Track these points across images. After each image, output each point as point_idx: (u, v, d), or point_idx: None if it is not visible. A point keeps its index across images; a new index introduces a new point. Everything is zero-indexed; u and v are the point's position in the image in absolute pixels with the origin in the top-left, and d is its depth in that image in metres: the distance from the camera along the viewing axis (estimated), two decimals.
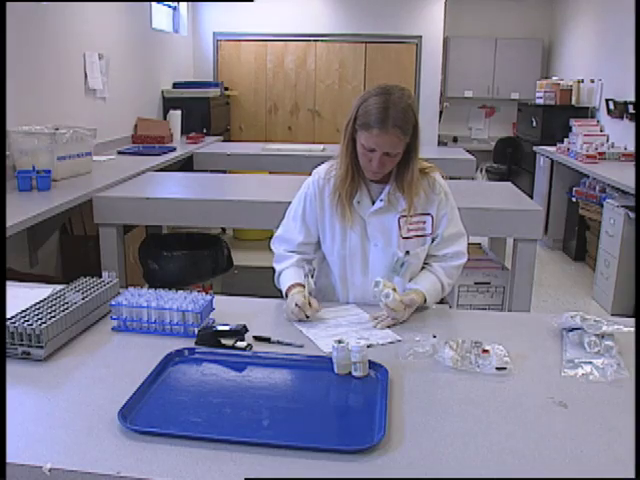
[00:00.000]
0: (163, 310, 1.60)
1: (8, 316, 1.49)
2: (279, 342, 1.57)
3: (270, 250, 2.00)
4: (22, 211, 2.68)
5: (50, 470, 1.05)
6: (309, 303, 1.72)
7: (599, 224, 4.69)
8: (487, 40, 7.92)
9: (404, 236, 1.84)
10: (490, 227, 2.98)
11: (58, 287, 1.75)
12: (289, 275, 1.87)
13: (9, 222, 2.47)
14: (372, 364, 1.40)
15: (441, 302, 3.56)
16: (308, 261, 1.96)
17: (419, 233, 1.86)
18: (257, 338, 1.58)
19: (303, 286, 1.80)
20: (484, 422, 1.22)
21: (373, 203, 1.85)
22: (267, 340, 1.58)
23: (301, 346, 1.55)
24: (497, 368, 1.42)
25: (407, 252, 1.85)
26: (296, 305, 1.70)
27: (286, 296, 1.81)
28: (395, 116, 1.66)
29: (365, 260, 1.89)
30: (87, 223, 3.82)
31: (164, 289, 1.72)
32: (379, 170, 1.75)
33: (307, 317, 1.70)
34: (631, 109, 5.43)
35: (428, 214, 1.86)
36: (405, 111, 1.68)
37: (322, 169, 1.92)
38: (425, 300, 1.81)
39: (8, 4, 3.26)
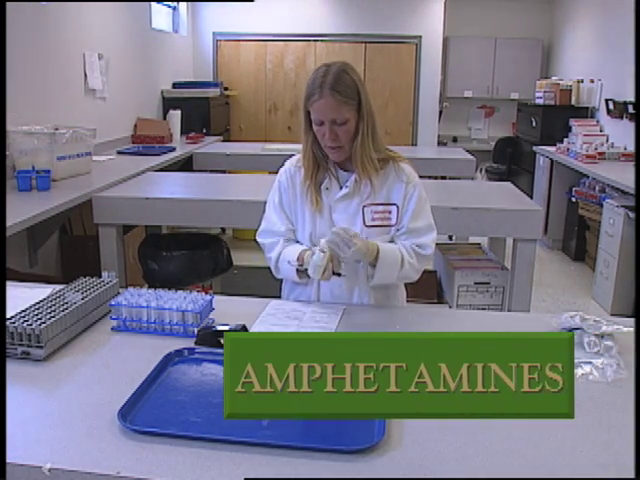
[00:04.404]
0: (163, 310, 1.60)
1: (8, 316, 1.49)
2: None
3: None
4: (22, 211, 2.68)
5: (50, 470, 1.05)
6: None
7: (599, 224, 4.69)
8: (487, 40, 7.93)
9: (367, 224, 1.84)
10: (490, 227, 2.97)
11: (58, 287, 1.76)
12: (292, 249, 1.86)
13: (9, 222, 2.47)
14: None
15: (441, 302, 3.60)
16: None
17: (384, 223, 1.86)
18: None
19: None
20: (483, 422, 1.22)
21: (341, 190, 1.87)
22: None
23: None
24: None
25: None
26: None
27: (298, 260, 1.82)
28: (330, 81, 1.71)
29: None
30: (87, 223, 3.82)
31: (164, 289, 1.72)
32: (333, 143, 1.76)
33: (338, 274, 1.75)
34: (631, 109, 5.43)
35: (393, 204, 1.86)
36: (338, 75, 1.72)
37: (294, 158, 1.96)
38: (378, 253, 1.77)
39: (8, 4, 3.25)
